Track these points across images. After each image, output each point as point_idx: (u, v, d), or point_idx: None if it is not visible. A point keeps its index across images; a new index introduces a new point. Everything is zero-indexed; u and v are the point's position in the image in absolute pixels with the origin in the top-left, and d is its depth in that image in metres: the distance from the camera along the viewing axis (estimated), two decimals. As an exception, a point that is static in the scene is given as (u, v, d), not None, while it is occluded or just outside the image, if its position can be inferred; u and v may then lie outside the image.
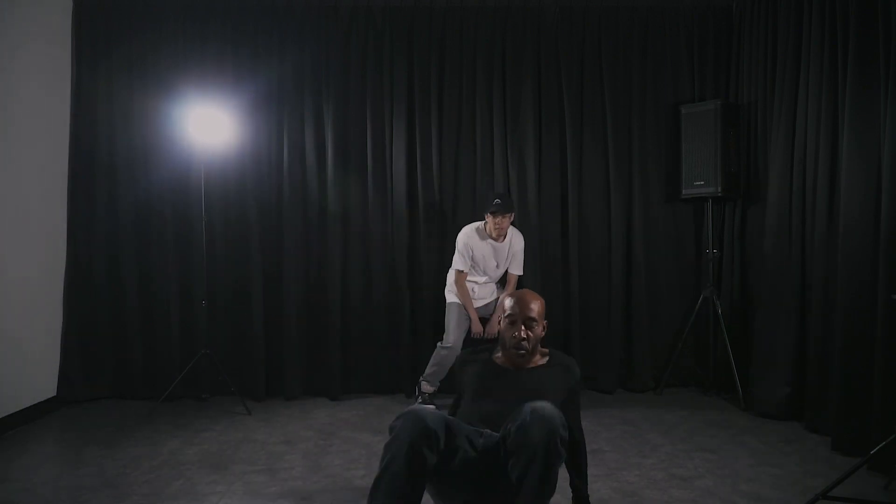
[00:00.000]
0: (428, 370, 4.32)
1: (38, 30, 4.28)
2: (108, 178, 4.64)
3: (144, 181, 4.63)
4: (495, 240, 4.31)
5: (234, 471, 3.21)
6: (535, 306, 2.47)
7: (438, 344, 4.32)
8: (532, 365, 2.51)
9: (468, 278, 4.35)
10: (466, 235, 4.34)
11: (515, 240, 4.38)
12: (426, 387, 4.33)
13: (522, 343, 2.42)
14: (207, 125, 4.27)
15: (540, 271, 4.74)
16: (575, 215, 4.78)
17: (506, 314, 2.46)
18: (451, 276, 4.41)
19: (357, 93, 4.76)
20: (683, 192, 4.68)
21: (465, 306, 4.31)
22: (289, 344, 4.65)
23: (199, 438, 3.73)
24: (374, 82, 4.76)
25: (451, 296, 4.39)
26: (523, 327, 2.43)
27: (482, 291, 4.40)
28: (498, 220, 4.21)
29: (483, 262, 4.34)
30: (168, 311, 4.62)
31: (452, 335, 4.27)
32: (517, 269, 4.42)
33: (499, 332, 2.51)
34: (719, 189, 4.46)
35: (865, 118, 3.34)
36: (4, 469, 3.26)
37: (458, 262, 4.33)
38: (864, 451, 2.90)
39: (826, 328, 3.62)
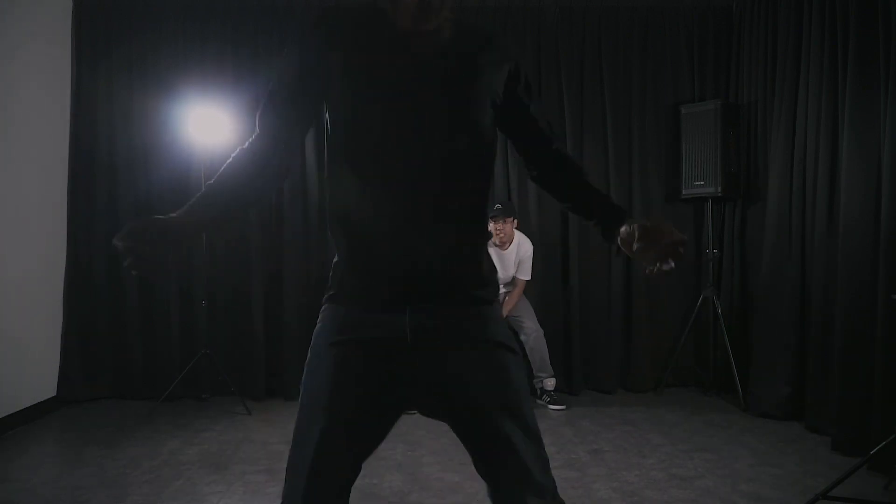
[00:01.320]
0: None
1: (38, 30, 4.28)
2: (108, 178, 4.64)
3: (144, 181, 4.63)
4: (499, 247, 4.32)
5: (234, 471, 3.21)
6: None
7: None
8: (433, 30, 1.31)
9: None
10: None
11: (524, 246, 4.42)
12: None
13: None
14: (207, 125, 4.27)
15: (540, 271, 4.74)
16: (575, 216, 4.77)
17: None
18: None
19: (357, 93, 4.75)
20: (683, 192, 4.68)
21: None
22: (289, 344, 4.64)
23: (199, 438, 3.73)
24: (374, 82, 4.75)
25: None
26: None
27: None
28: (499, 225, 4.23)
29: None
30: (168, 312, 4.62)
31: None
32: (525, 275, 4.44)
33: None
34: (719, 189, 4.45)
35: (865, 118, 3.34)
36: (4, 469, 3.26)
37: None
38: (864, 451, 2.89)
39: (826, 328, 3.62)
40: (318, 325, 1.40)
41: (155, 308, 4.65)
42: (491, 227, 4.26)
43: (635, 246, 1.32)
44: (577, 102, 4.81)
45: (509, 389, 1.33)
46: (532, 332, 4.36)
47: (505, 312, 4.35)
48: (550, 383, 4.38)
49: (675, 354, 4.69)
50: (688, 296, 4.84)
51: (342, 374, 1.31)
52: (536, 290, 4.72)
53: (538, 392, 4.43)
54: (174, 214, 1.31)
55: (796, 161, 3.95)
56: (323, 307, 1.40)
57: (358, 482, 3.17)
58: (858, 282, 3.31)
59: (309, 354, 1.38)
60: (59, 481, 3.08)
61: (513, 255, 4.38)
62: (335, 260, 1.40)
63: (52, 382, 4.45)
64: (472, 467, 1.48)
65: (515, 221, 4.39)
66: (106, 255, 4.62)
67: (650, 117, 4.85)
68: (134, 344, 4.63)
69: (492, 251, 4.30)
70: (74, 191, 4.61)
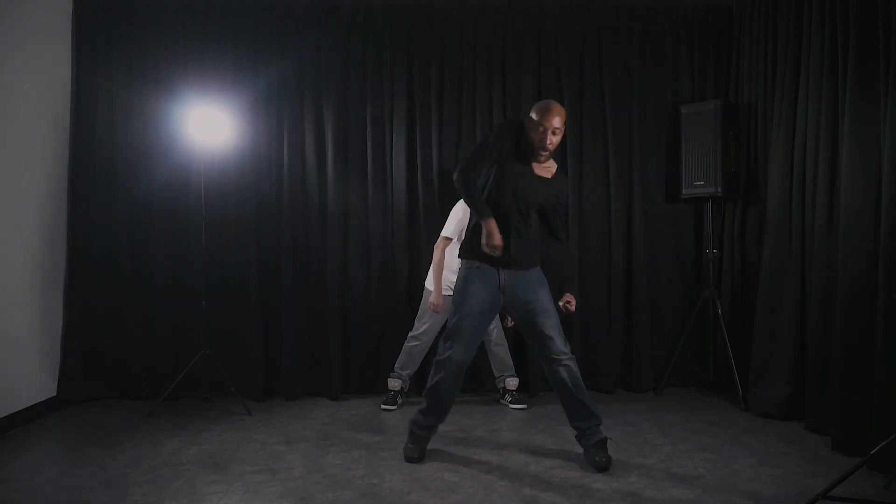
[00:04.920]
0: (398, 361, 4.39)
1: (38, 30, 4.28)
2: (108, 178, 4.64)
3: (144, 181, 4.62)
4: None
5: (234, 471, 3.21)
6: (559, 120, 3.07)
7: (409, 333, 4.37)
8: (547, 172, 3.21)
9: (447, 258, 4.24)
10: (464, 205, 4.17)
11: None
12: (392, 383, 4.34)
13: (548, 146, 3.08)
14: (207, 125, 4.27)
15: (540, 271, 4.74)
16: (575, 215, 4.78)
17: (536, 121, 3.07)
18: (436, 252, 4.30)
19: (357, 93, 4.76)
20: (683, 192, 4.68)
21: (434, 275, 4.24)
22: (289, 344, 4.65)
23: (199, 438, 3.73)
24: (374, 82, 4.76)
25: (428, 281, 4.40)
26: (551, 135, 3.06)
27: None
28: None
29: None
30: (168, 311, 4.62)
31: (424, 324, 4.30)
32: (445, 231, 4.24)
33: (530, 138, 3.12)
34: (719, 189, 4.46)
35: (865, 118, 3.34)
36: (4, 469, 3.26)
37: (447, 230, 4.22)
38: (864, 451, 2.89)
39: (826, 328, 3.62)
40: None
41: (154, 308, 4.64)
42: None
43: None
44: (577, 102, 4.81)
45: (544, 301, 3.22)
46: (493, 330, 4.34)
47: None
48: (513, 383, 4.39)
49: (675, 354, 4.69)
50: (688, 296, 4.85)
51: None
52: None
53: (500, 392, 4.44)
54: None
55: (796, 161, 3.95)
56: None
57: (359, 481, 3.18)
58: (858, 282, 3.31)
59: None
60: (59, 481, 3.08)
61: None
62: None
63: (52, 382, 4.45)
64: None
65: None
66: (106, 255, 4.62)
67: (650, 117, 4.85)
68: (134, 344, 4.62)
69: None
70: (74, 191, 4.61)
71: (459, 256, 3.29)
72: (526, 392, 4.62)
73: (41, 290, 4.34)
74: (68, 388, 4.48)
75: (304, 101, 4.73)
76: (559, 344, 3.17)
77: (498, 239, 2.97)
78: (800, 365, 3.90)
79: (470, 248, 3.20)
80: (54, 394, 4.43)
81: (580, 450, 3.47)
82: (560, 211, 3.33)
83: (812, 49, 3.78)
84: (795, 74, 3.98)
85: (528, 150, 3.13)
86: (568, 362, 3.18)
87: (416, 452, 3.30)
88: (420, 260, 4.72)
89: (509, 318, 4.26)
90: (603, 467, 3.12)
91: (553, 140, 3.07)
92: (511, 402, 4.36)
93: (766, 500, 2.80)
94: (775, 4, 4.20)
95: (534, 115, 3.09)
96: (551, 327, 3.17)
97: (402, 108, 4.76)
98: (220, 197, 4.63)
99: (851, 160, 3.38)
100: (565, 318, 4.68)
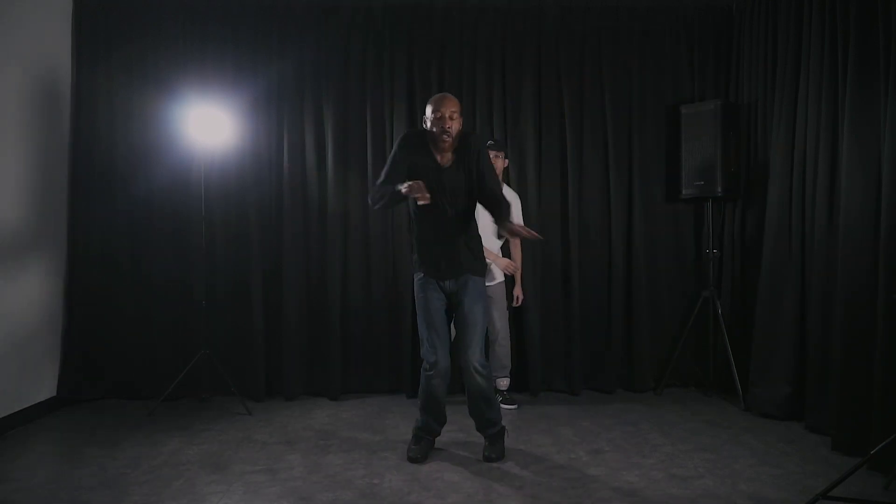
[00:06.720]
0: None
1: (38, 30, 4.29)
2: (108, 178, 4.64)
3: (144, 181, 4.62)
4: None
5: (234, 471, 3.21)
6: (454, 104, 3.24)
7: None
8: (450, 162, 3.27)
9: None
10: None
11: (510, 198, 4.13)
12: None
13: (447, 129, 3.19)
14: (207, 125, 4.27)
15: (540, 271, 4.74)
16: (575, 215, 4.78)
17: (433, 110, 3.22)
18: None
19: (357, 93, 4.76)
20: (683, 192, 4.68)
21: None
22: (289, 344, 4.65)
23: (199, 438, 3.73)
24: (374, 82, 4.76)
25: None
26: (449, 119, 3.19)
27: None
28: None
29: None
30: (168, 311, 4.62)
31: None
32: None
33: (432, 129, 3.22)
34: (719, 189, 4.46)
35: (865, 118, 3.34)
36: (4, 469, 3.26)
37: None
38: (864, 451, 2.90)
39: (826, 328, 3.62)
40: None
41: (154, 308, 4.64)
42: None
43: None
44: (577, 102, 4.81)
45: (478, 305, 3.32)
46: (500, 331, 4.33)
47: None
48: (504, 383, 4.38)
49: (675, 354, 4.69)
50: (688, 296, 4.85)
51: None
52: (537, 290, 4.72)
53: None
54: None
55: (796, 161, 3.95)
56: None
57: (359, 481, 3.18)
58: (858, 282, 3.31)
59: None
60: (59, 481, 3.09)
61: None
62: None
63: (52, 382, 4.45)
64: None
65: (506, 161, 4.45)
66: (106, 255, 4.62)
67: (650, 117, 4.85)
68: (134, 344, 4.62)
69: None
70: (74, 191, 4.61)
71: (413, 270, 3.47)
72: (527, 392, 4.63)
73: (41, 290, 4.34)
74: (68, 388, 4.48)
75: (304, 101, 4.73)
76: (476, 356, 3.27)
77: (417, 185, 3.04)
78: (800, 365, 3.90)
79: (416, 260, 3.40)
80: (54, 394, 4.43)
81: (580, 450, 3.48)
82: (485, 177, 3.26)
83: (812, 49, 3.78)
84: (795, 74, 3.98)
85: (432, 146, 3.24)
86: (478, 377, 3.28)
87: (419, 453, 3.36)
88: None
89: (516, 298, 4.44)
90: (490, 460, 3.32)
91: (452, 125, 3.18)
92: (502, 403, 4.35)
93: (766, 500, 2.80)
94: (775, 4, 4.20)
95: (429, 107, 3.24)
96: (473, 338, 3.28)
97: (402, 108, 4.76)
98: (220, 197, 4.63)
99: (851, 160, 3.38)
100: (564, 318, 4.75)
